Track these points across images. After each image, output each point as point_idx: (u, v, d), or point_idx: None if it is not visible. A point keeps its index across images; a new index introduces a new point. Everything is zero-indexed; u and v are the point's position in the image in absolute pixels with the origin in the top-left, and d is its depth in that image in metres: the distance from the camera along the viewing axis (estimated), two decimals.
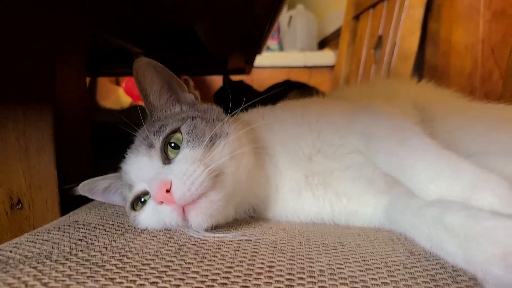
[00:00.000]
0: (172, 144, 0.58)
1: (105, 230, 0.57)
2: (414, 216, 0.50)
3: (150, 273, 0.42)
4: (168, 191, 0.51)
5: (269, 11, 0.93)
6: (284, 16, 3.35)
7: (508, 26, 1.10)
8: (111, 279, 0.41)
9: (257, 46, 1.69)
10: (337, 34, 2.55)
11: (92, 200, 0.75)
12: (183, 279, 0.41)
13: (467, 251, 0.40)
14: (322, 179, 0.64)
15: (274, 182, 0.64)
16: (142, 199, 0.59)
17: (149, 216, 0.57)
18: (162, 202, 0.53)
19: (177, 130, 0.59)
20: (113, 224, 0.59)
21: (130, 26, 1.11)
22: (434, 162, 0.50)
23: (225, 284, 0.40)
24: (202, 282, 0.41)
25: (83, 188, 0.66)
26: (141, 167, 0.58)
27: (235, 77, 2.38)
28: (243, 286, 0.40)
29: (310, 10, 3.24)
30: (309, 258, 0.47)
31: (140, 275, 0.42)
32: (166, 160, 0.57)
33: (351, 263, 0.46)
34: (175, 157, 0.57)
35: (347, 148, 0.64)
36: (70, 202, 0.77)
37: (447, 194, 0.47)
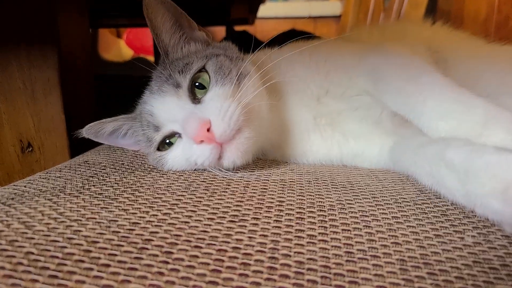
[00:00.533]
0: (197, 84, 0.57)
1: (115, 168, 0.57)
2: (415, 154, 0.50)
3: (162, 205, 0.43)
4: (207, 130, 0.51)
5: None
6: None
7: None
8: (125, 210, 0.42)
9: None
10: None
11: (101, 143, 0.75)
12: (194, 211, 0.42)
13: (467, 185, 0.40)
14: (330, 120, 0.63)
15: (284, 123, 0.63)
16: (168, 141, 0.58)
17: (178, 156, 0.56)
18: (202, 141, 0.51)
19: (202, 69, 0.57)
20: (123, 164, 0.60)
21: None
22: (445, 98, 0.50)
23: (236, 215, 0.41)
24: (214, 213, 0.41)
25: (88, 131, 0.63)
26: (170, 107, 0.56)
27: (238, 28, 2.32)
28: (254, 217, 0.41)
29: None
30: (318, 195, 0.47)
31: (152, 207, 0.42)
32: (195, 100, 0.56)
33: (361, 199, 0.46)
34: (203, 97, 0.56)
35: (355, 89, 0.63)
36: (80, 145, 0.77)
37: (457, 131, 0.47)
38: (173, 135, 0.57)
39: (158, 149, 0.58)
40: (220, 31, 2.48)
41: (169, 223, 0.39)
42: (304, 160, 0.65)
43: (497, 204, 0.37)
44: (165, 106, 0.57)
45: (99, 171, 0.55)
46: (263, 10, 2.44)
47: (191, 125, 0.52)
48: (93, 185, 0.49)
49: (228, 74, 0.56)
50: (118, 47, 3.04)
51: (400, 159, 0.55)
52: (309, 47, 0.67)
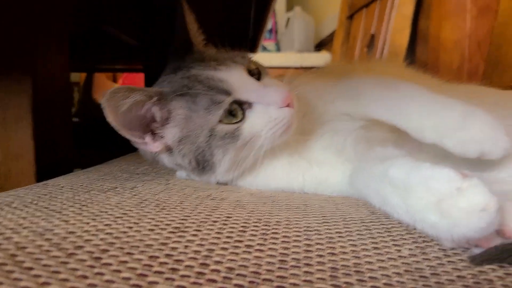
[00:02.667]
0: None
1: (71, 188, 0.57)
2: (366, 175, 0.51)
3: (106, 218, 0.42)
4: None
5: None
6: (282, 18, 3.38)
7: (493, 21, 1.11)
8: (65, 221, 0.41)
9: (249, 43, 1.71)
10: (333, 36, 2.57)
11: (69, 172, 0.75)
12: (137, 223, 0.41)
13: (407, 201, 0.40)
14: (297, 146, 0.64)
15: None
16: (231, 111, 0.59)
17: (256, 122, 0.58)
18: (288, 105, 0.58)
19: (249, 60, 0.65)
20: (81, 185, 0.59)
21: (124, 15, 1.12)
22: (425, 100, 0.54)
23: (178, 228, 0.40)
24: (156, 225, 0.41)
25: (114, 96, 0.54)
26: (242, 78, 0.60)
27: None
28: (195, 229, 0.40)
29: (308, 12, 3.26)
30: (269, 213, 0.47)
31: (95, 219, 0.42)
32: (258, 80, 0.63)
33: (309, 218, 0.46)
34: (259, 80, 0.63)
35: (329, 115, 0.65)
36: (48, 173, 0.77)
37: (442, 127, 0.50)
38: (241, 103, 0.59)
39: (220, 121, 0.58)
40: None
41: (106, 233, 0.38)
42: (267, 187, 0.64)
43: (433, 217, 0.37)
44: (235, 76, 0.60)
45: (54, 191, 0.55)
46: (259, 60, 2.53)
47: (277, 91, 0.58)
48: (42, 201, 0.49)
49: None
50: None
51: (356, 183, 0.55)
52: (287, 78, 0.70)
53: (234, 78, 0.59)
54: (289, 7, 3.42)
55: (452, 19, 1.46)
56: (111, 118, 0.55)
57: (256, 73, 0.64)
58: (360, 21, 2.01)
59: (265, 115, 0.58)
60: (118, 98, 0.55)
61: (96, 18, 1.18)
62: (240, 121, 0.58)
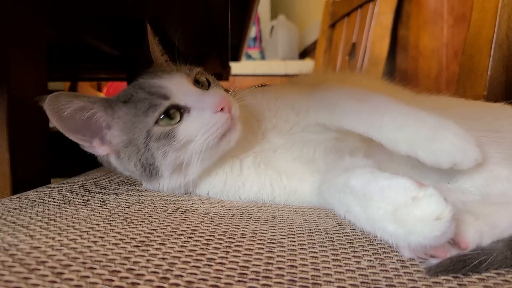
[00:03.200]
0: (198, 81, 0.66)
1: (43, 202, 0.57)
2: (330, 185, 0.52)
3: (72, 232, 0.43)
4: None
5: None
6: (266, 26, 3.40)
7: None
8: (31, 236, 0.41)
9: (232, 52, 1.72)
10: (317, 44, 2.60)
11: (47, 184, 0.75)
12: (102, 237, 0.42)
13: (366, 209, 0.41)
14: (265, 157, 0.65)
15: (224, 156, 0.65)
16: (169, 114, 0.60)
17: (191, 126, 0.59)
18: (223, 109, 0.59)
19: (200, 72, 0.67)
20: (53, 198, 0.59)
21: (101, 24, 1.12)
22: (398, 113, 0.55)
23: (143, 241, 0.41)
24: (121, 240, 0.41)
25: (52, 101, 0.57)
26: (183, 86, 0.62)
27: None
28: (160, 243, 0.41)
29: (292, 20, 3.29)
30: (235, 226, 0.48)
31: (61, 234, 0.42)
32: (201, 88, 0.64)
33: (275, 230, 0.47)
34: (207, 90, 0.65)
35: (301, 125, 0.66)
36: (24, 186, 0.77)
37: (414, 139, 0.52)
38: (179, 108, 0.60)
39: (156, 123, 0.60)
40: None
41: (71, 248, 0.39)
42: (237, 198, 0.65)
43: (391, 226, 0.38)
44: (177, 84, 0.62)
45: (25, 204, 0.55)
46: (242, 68, 2.54)
47: (213, 97, 0.60)
48: (11, 216, 0.49)
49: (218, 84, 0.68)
50: None
51: (323, 193, 0.56)
52: (262, 90, 0.71)
53: (175, 84, 0.62)
54: (273, 15, 3.45)
55: (430, 28, 1.49)
56: (53, 121, 0.59)
57: (205, 84, 0.66)
58: (342, 30, 2.03)
59: (200, 119, 0.59)
60: (59, 103, 0.58)
61: (76, 30, 1.18)
62: (177, 123, 0.60)
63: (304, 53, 3.24)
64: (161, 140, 0.59)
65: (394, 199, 0.38)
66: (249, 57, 3.32)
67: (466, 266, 0.36)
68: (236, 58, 2.01)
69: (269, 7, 3.53)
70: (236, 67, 2.25)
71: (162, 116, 0.60)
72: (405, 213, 0.38)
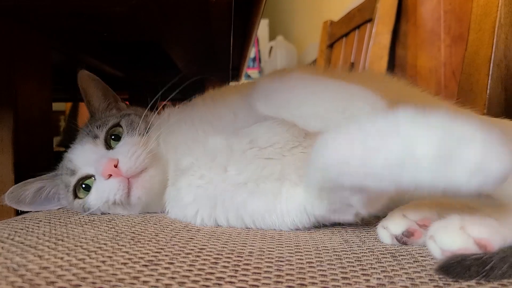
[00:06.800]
0: (113, 137, 0.65)
1: (49, 222, 0.57)
2: None
3: (80, 252, 0.43)
4: (115, 166, 0.58)
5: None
6: (265, 46, 3.45)
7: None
8: (40, 256, 0.41)
9: (233, 72, 1.75)
10: (315, 64, 2.63)
11: None
12: (111, 257, 0.42)
13: None
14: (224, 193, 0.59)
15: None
16: (84, 185, 0.63)
17: (97, 196, 0.61)
18: (111, 175, 0.59)
19: (117, 124, 0.66)
20: (59, 219, 0.60)
21: (103, 46, 1.14)
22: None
23: (151, 261, 0.41)
24: (129, 259, 0.41)
25: (10, 196, 0.66)
26: (86, 153, 0.64)
27: None
28: (169, 262, 0.41)
29: (290, 41, 3.34)
30: (242, 243, 0.48)
31: (69, 253, 0.42)
32: (109, 148, 0.64)
33: (283, 247, 0.47)
34: (116, 145, 0.64)
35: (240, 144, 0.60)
36: None
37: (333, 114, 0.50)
38: (88, 177, 0.63)
39: (75, 195, 0.63)
40: None
41: (80, 267, 0.39)
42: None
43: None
44: (82, 152, 0.64)
45: (31, 225, 0.55)
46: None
47: (101, 163, 0.60)
48: (18, 236, 0.49)
49: (136, 127, 0.66)
50: None
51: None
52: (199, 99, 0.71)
53: (81, 154, 0.65)
54: (272, 36, 3.51)
55: (427, 48, 1.52)
56: (22, 209, 0.68)
57: (120, 137, 0.66)
58: (340, 50, 2.06)
59: (98, 187, 0.62)
60: (17, 194, 0.66)
61: (81, 53, 1.20)
62: (87, 195, 0.63)
63: None
64: (83, 211, 0.63)
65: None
66: (248, 77, 3.36)
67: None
68: (237, 78, 2.03)
69: (268, 28, 3.58)
70: None
71: (78, 188, 0.64)
72: None
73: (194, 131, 0.63)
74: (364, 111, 0.48)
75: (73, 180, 0.64)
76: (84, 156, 0.64)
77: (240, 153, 0.58)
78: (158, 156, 0.63)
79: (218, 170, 0.59)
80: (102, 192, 0.60)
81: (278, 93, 0.55)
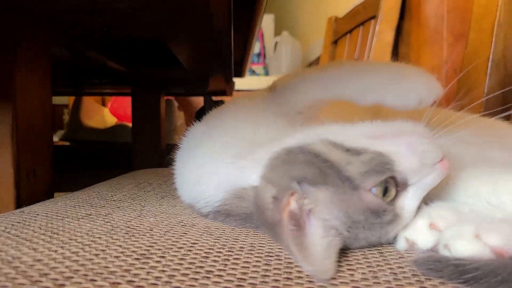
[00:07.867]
0: None
1: (46, 216, 0.58)
2: None
3: (74, 245, 0.44)
4: None
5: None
6: (270, 42, 3.45)
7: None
8: (34, 249, 0.42)
9: (230, 68, 1.76)
10: (320, 60, 2.63)
11: (50, 198, 0.76)
12: (104, 250, 0.43)
13: None
14: None
15: None
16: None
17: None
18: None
19: None
20: (57, 212, 0.61)
21: (107, 41, 1.15)
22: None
23: (144, 254, 0.42)
24: (122, 252, 0.42)
25: None
26: None
27: (217, 98, 2.43)
28: (160, 256, 0.42)
29: (295, 37, 3.34)
30: (234, 239, 0.49)
31: (63, 246, 0.43)
32: None
33: (273, 243, 0.48)
34: None
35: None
36: (28, 200, 0.78)
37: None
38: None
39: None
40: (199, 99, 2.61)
41: (73, 260, 0.40)
42: None
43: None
44: None
45: (28, 218, 0.56)
46: (246, 83, 2.57)
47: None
48: (14, 229, 0.50)
49: None
50: (102, 114, 3.10)
51: None
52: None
53: None
54: (277, 31, 3.50)
55: (430, 46, 1.51)
56: None
57: None
58: (344, 47, 2.06)
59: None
60: None
61: (84, 48, 1.21)
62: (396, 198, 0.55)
63: None
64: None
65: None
66: (253, 72, 3.36)
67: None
68: (240, 74, 2.04)
69: (273, 24, 3.58)
70: (240, 83, 2.28)
71: None
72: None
73: None
74: (419, 85, 0.50)
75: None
76: None
77: None
78: None
79: None
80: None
81: (321, 78, 0.57)
